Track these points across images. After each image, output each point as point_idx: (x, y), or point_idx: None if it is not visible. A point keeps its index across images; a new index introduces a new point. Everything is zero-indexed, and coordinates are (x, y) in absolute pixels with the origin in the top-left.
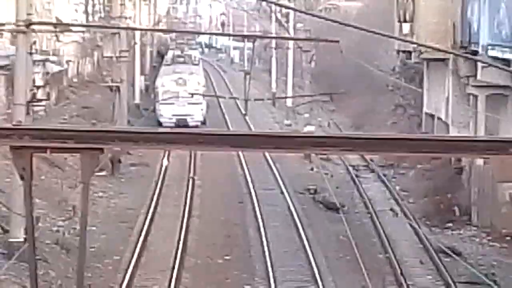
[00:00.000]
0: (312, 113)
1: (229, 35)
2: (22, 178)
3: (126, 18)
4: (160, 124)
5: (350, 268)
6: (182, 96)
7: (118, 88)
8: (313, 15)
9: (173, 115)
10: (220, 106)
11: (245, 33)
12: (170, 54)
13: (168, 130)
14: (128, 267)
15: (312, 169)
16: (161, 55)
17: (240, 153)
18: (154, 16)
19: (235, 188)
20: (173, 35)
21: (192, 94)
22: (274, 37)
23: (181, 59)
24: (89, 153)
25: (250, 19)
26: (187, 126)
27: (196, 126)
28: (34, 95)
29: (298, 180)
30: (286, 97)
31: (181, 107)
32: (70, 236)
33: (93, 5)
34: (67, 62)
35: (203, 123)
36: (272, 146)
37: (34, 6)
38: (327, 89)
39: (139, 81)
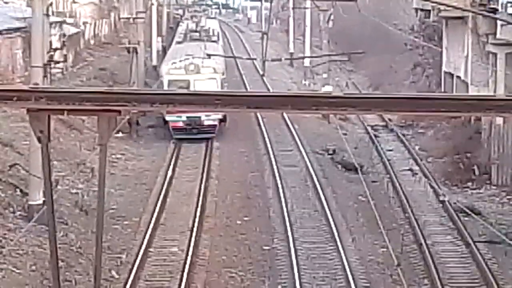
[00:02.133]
0: (330, 73)
1: None
2: (39, 140)
3: None
4: (166, 123)
5: (369, 228)
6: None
7: (135, 49)
8: None
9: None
10: (238, 67)
11: None
12: (183, 27)
13: (185, 91)
14: (147, 228)
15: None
16: (179, 17)
17: (258, 114)
18: None
19: (253, 148)
20: (189, 1)
21: (209, 55)
22: None
23: (196, 35)
24: (107, 115)
25: None
26: (202, 125)
27: (214, 127)
28: (51, 57)
29: (317, 141)
30: (304, 57)
31: None
32: (89, 198)
33: None
34: (84, 23)
35: (222, 121)
36: (290, 106)
37: None
38: (345, 49)
39: (156, 43)
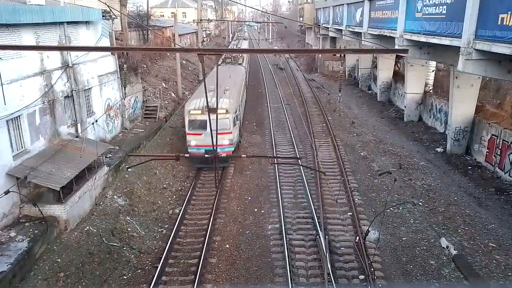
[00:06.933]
0: (276, 43)
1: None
2: (201, 61)
3: None
4: None
5: (285, 84)
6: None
7: (224, 38)
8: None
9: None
10: (252, 42)
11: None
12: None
13: (236, 48)
14: None
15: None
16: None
17: (257, 54)
18: None
19: (256, 63)
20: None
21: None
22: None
23: (229, 60)
24: (216, 55)
25: None
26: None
27: None
28: (203, 40)
29: (273, 61)
30: (268, 39)
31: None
32: None
33: None
34: (210, 30)
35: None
36: (265, 52)
37: None
38: (280, 36)
39: (229, 36)
